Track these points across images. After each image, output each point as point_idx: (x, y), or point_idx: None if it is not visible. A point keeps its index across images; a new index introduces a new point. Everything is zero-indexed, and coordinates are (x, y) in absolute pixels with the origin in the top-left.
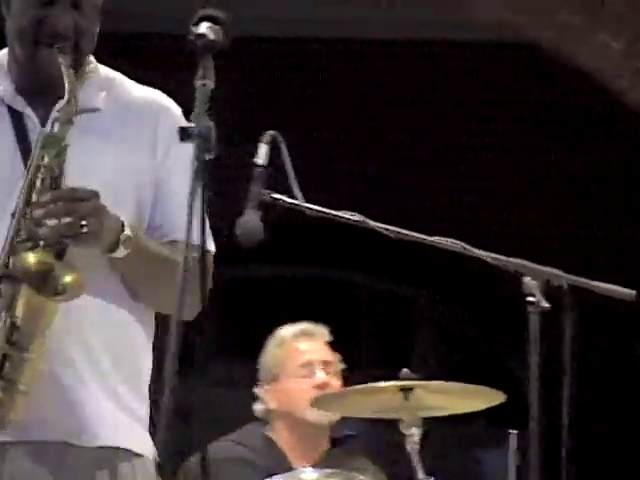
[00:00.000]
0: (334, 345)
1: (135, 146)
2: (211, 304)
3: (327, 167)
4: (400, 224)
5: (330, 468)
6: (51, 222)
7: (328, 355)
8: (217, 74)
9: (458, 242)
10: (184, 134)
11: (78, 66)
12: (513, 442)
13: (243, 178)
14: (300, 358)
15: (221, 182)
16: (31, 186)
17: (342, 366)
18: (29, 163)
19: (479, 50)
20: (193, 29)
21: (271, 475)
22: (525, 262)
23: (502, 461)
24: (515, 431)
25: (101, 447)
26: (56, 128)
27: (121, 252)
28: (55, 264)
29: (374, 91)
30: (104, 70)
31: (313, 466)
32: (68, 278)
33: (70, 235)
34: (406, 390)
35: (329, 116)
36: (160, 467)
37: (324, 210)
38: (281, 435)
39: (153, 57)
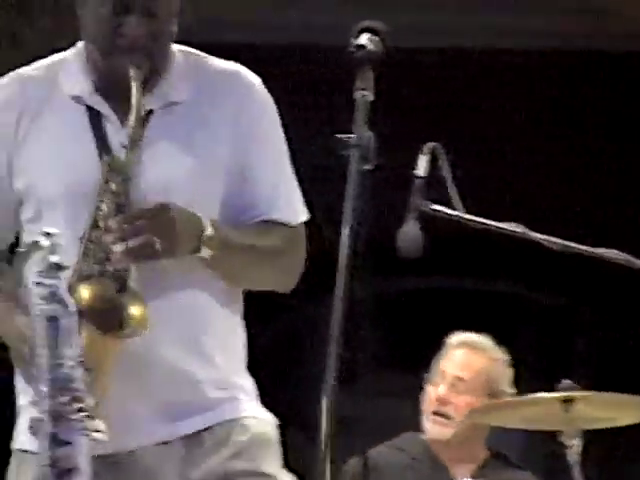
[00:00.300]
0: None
1: (218, 135)
2: (372, 316)
3: (488, 178)
4: (561, 235)
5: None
6: (119, 247)
7: (467, 371)
8: (377, 84)
9: (622, 254)
10: (343, 144)
11: (155, 70)
12: None
13: (403, 189)
14: (442, 365)
15: (381, 193)
16: (97, 210)
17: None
18: (98, 189)
19: None
20: (353, 40)
21: None
22: None
23: None
24: None
25: (214, 425)
26: (122, 153)
27: (206, 252)
28: (117, 297)
29: (534, 101)
30: (183, 54)
31: (473, 477)
32: (134, 312)
33: (140, 256)
34: (567, 402)
35: (489, 126)
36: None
37: (484, 221)
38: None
39: (310, 68)
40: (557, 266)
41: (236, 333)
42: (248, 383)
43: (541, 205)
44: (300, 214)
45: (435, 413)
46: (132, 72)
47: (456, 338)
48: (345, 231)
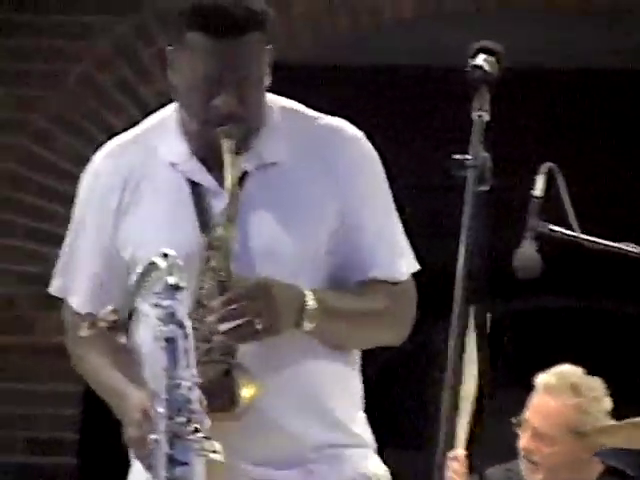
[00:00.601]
0: (605, 376)
1: (318, 196)
2: (493, 336)
3: (604, 198)
4: None
5: None
6: (224, 327)
7: (543, 421)
8: (494, 105)
9: None
10: (458, 165)
11: (250, 135)
12: None
13: (520, 210)
14: (527, 410)
15: (497, 214)
16: (201, 289)
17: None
18: (200, 266)
19: None
20: (470, 61)
21: None
22: None
23: None
24: None
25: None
26: (219, 231)
27: (307, 326)
28: (226, 378)
29: None
30: (282, 110)
31: None
32: (244, 391)
33: (243, 338)
34: None
35: (606, 147)
36: None
37: (601, 241)
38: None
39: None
40: None
41: (354, 384)
42: (367, 433)
43: None
44: (405, 270)
45: (525, 458)
46: (224, 144)
47: (537, 380)
48: (462, 252)
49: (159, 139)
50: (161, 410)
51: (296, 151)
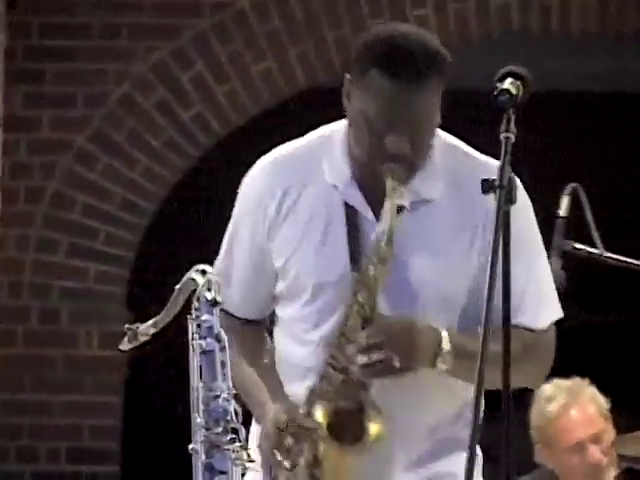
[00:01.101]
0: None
1: (468, 237)
2: None
3: (628, 216)
4: None
5: None
6: (362, 359)
7: (595, 426)
8: (521, 127)
9: None
10: (487, 186)
11: (413, 174)
12: None
13: (545, 228)
14: (567, 438)
15: None
16: (346, 319)
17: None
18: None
19: None
20: (498, 84)
21: None
22: None
23: None
24: None
25: None
26: (371, 270)
27: (442, 366)
28: (357, 412)
29: None
30: (443, 148)
31: None
32: (372, 426)
33: (380, 373)
34: None
35: (629, 168)
36: None
37: (624, 259)
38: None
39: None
40: None
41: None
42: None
43: None
44: (547, 318)
45: (596, 467)
46: (389, 183)
47: (556, 403)
48: (489, 270)
49: (324, 155)
50: (199, 420)
51: (452, 190)
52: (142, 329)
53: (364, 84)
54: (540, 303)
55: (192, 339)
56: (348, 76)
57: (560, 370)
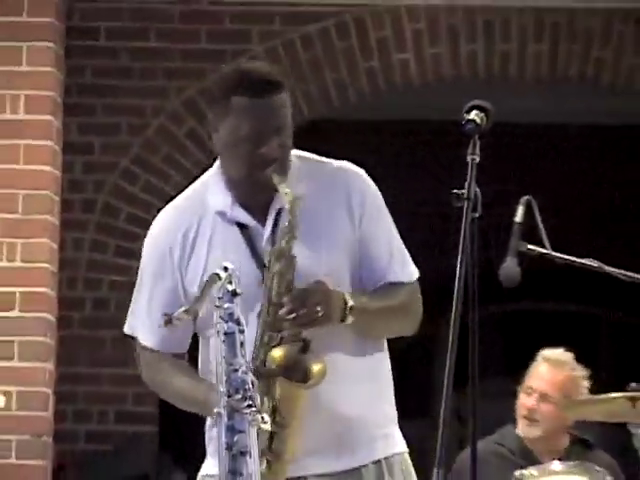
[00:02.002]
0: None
1: (337, 220)
2: (484, 332)
3: (572, 224)
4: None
5: (573, 461)
6: (291, 316)
7: (550, 387)
8: (483, 151)
9: None
10: (457, 198)
11: (284, 172)
12: None
13: (504, 233)
14: (531, 380)
15: (486, 235)
16: (270, 291)
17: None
18: (266, 273)
19: None
20: (465, 115)
21: (524, 467)
22: None
23: None
24: None
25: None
26: (283, 243)
27: (349, 320)
28: (301, 357)
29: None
30: (298, 158)
31: (559, 459)
32: (315, 367)
33: (308, 322)
34: (634, 400)
35: (570, 184)
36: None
37: (568, 257)
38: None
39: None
40: (628, 291)
41: (386, 366)
42: (393, 410)
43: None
44: (413, 274)
45: (526, 417)
46: (276, 179)
47: (542, 356)
48: (459, 266)
49: (207, 194)
50: (222, 389)
51: (313, 190)
52: (176, 315)
53: (229, 112)
54: (405, 263)
55: (217, 323)
56: (210, 115)
57: (517, 347)
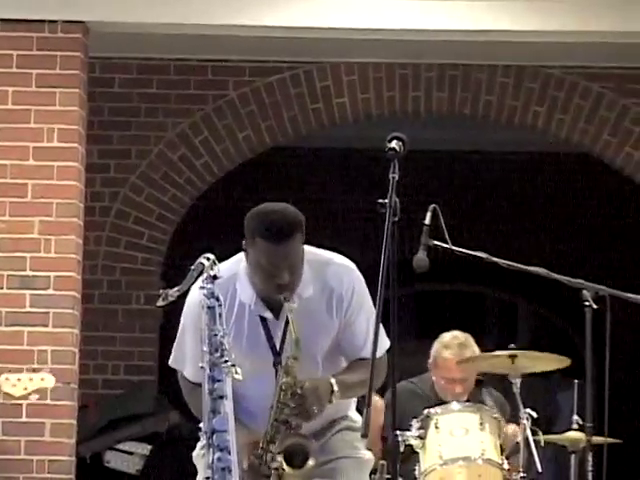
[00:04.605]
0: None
1: (333, 312)
2: (402, 306)
3: (470, 228)
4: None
5: (471, 402)
6: (295, 412)
7: (459, 372)
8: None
9: (544, 270)
10: (381, 206)
11: (295, 290)
12: (575, 387)
13: (417, 231)
14: (443, 353)
15: (403, 234)
16: (279, 395)
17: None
18: (277, 383)
19: None
20: (387, 144)
21: (432, 406)
22: (583, 281)
23: (569, 398)
24: (577, 381)
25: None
26: (290, 363)
27: (334, 400)
28: (302, 446)
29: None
30: (307, 261)
31: (457, 400)
32: (310, 462)
33: (307, 418)
34: (512, 357)
35: (472, 198)
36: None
37: (463, 250)
38: (438, 385)
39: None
40: (513, 275)
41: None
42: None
43: (505, 238)
44: (381, 349)
45: (449, 382)
46: (286, 306)
47: (452, 337)
48: (383, 257)
49: (239, 284)
50: (205, 348)
51: (316, 286)
52: (170, 293)
53: (255, 246)
54: (380, 339)
55: (201, 300)
56: (244, 241)
57: (427, 317)
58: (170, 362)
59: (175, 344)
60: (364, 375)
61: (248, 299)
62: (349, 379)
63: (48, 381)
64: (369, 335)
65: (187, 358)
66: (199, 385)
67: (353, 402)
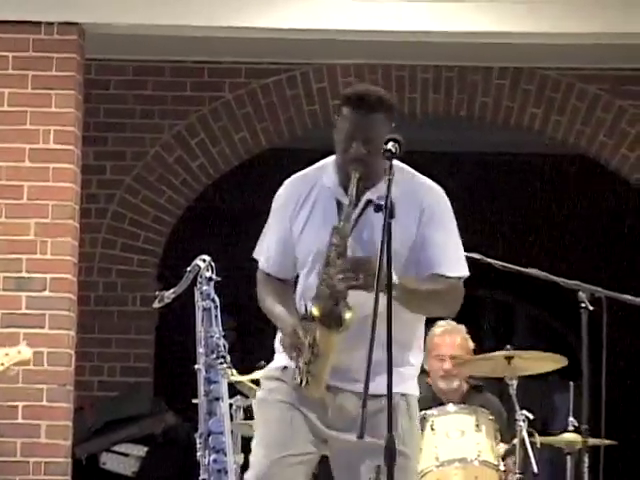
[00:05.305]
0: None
1: (410, 219)
2: None
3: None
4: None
5: (467, 405)
6: (338, 277)
7: (455, 350)
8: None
9: (541, 271)
10: (378, 207)
11: (372, 175)
12: (571, 389)
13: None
14: (438, 349)
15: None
16: (328, 256)
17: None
18: (328, 243)
19: None
20: (384, 146)
21: (429, 408)
22: (580, 282)
23: (565, 399)
24: (573, 382)
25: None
26: (341, 224)
27: (394, 293)
28: (335, 309)
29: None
30: (400, 168)
31: (454, 403)
32: (347, 316)
33: (351, 285)
34: (509, 358)
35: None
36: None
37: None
38: (434, 384)
39: None
40: (507, 276)
41: (418, 328)
42: (415, 359)
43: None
44: (458, 271)
45: (444, 377)
46: (353, 174)
47: (439, 328)
48: (380, 257)
49: (325, 173)
50: (201, 350)
51: (401, 193)
52: (166, 294)
53: (341, 116)
54: (452, 261)
55: (197, 301)
56: (335, 117)
57: None
58: (254, 254)
59: (261, 236)
60: (433, 286)
61: (330, 182)
62: (415, 283)
63: (25, 352)
64: (447, 252)
65: (265, 247)
66: (272, 278)
67: (419, 349)
